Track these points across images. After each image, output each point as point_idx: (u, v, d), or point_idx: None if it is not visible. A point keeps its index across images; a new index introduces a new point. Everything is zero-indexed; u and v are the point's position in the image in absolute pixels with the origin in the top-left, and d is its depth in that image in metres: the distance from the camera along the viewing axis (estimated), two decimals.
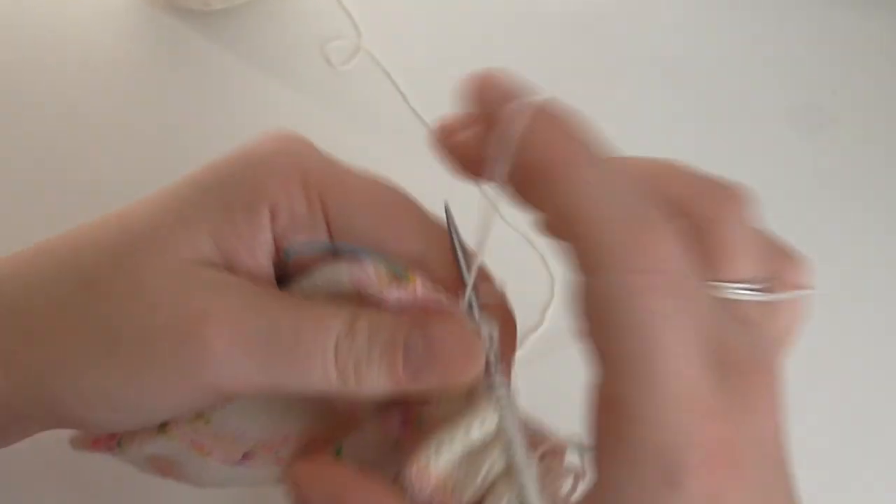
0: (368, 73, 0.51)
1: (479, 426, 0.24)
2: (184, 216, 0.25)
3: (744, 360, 0.21)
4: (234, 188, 0.25)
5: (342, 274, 0.25)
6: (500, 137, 0.22)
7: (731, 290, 0.24)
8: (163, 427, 0.26)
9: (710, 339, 0.20)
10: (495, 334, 0.25)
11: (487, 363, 0.24)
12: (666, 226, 0.21)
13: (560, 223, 0.22)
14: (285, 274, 0.26)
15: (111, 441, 0.27)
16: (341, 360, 0.23)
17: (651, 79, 0.54)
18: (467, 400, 0.25)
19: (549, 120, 0.22)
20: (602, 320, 0.20)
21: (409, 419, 0.26)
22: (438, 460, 0.23)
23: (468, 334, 0.24)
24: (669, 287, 0.20)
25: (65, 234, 0.26)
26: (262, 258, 0.25)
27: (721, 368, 0.20)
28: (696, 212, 0.24)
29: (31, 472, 0.38)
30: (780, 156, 0.53)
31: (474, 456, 0.24)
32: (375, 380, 0.24)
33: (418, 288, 0.25)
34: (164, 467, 0.29)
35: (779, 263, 0.25)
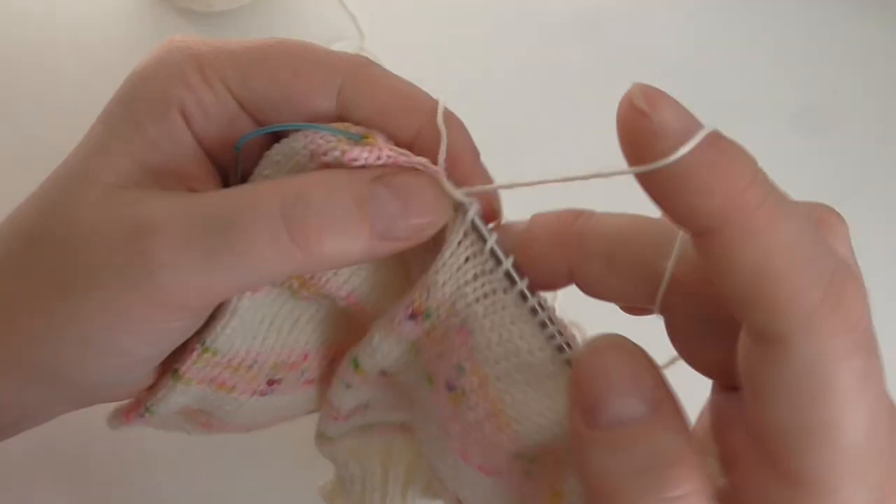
0: None
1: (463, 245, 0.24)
2: (100, 145, 0.25)
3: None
4: (137, 103, 0.25)
5: (297, 143, 0.24)
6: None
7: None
8: (175, 373, 0.26)
9: (888, 398, 0.19)
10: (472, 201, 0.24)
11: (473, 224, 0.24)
12: (859, 279, 0.19)
13: (738, 280, 0.18)
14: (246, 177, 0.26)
15: (139, 408, 0.27)
16: (296, 227, 0.22)
17: (651, 79, 0.54)
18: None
19: (726, 157, 0.19)
20: (790, 387, 0.18)
21: (418, 313, 0.25)
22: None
23: (434, 180, 0.24)
24: (863, 345, 0.19)
25: (14, 210, 0.26)
26: (189, 162, 0.25)
27: (891, 422, 0.19)
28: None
29: (30, 470, 0.38)
30: (780, 156, 0.53)
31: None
32: (342, 242, 0.23)
33: (381, 145, 0.23)
34: (203, 420, 0.29)
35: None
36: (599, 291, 0.24)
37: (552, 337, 0.23)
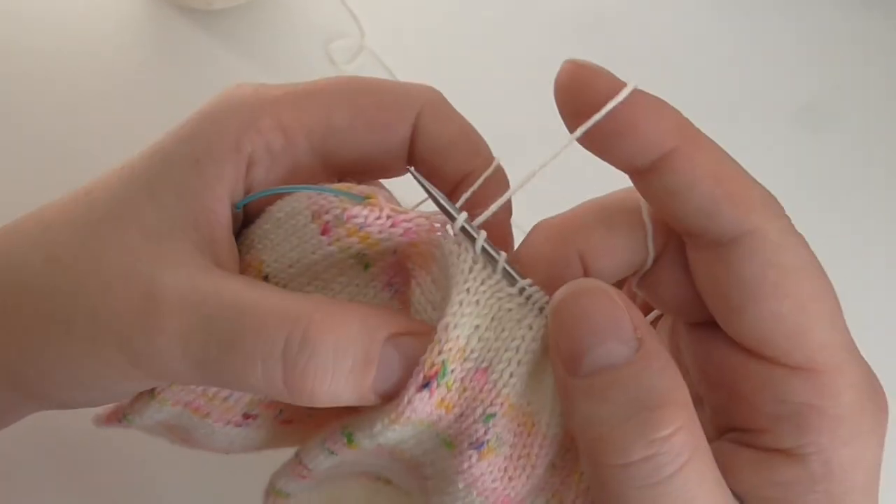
0: (372, 72, 0.51)
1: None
2: (151, 186, 0.24)
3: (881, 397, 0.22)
4: (201, 144, 0.24)
5: (300, 203, 0.24)
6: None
7: None
8: (151, 393, 0.26)
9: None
10: (484, 245, 0.23)
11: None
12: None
13: (701, 192, 0.21)
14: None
15: (119, 415, 0.27)
16: (292, 374, 0.21)
17: (651, 78, 0.54)
18: None
19: (657, 98, 0.22)
20: (760, 263, 0.21)
21: (431, 377, 0.22)
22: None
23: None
24: (795, 230, 0.22)
25: (36, 213, 0.25)
26: (224, 212, 0.24)
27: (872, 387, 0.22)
28: None
29: (30, 470, 0.38)
30: (781, 154, 0.53)
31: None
32: (334, 395, 0.22)
33: (383, 205, 0.23)
34: (179, 435, 0.29)
35: None
36: (609, 265, 0.24)
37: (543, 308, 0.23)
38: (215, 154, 0.24)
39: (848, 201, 0.52)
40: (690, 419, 0.20)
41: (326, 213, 0.23)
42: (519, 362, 0.22)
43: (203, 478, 0.40)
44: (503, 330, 0.22)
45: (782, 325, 0.21)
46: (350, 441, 0.24)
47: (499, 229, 0.25)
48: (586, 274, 0.24)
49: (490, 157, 0.26)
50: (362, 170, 0.26)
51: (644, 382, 0.20)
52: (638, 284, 0.24)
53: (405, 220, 0.23)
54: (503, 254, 0.23)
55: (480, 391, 0.22)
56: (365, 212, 0.23)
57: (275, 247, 0.25)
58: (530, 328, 0.22)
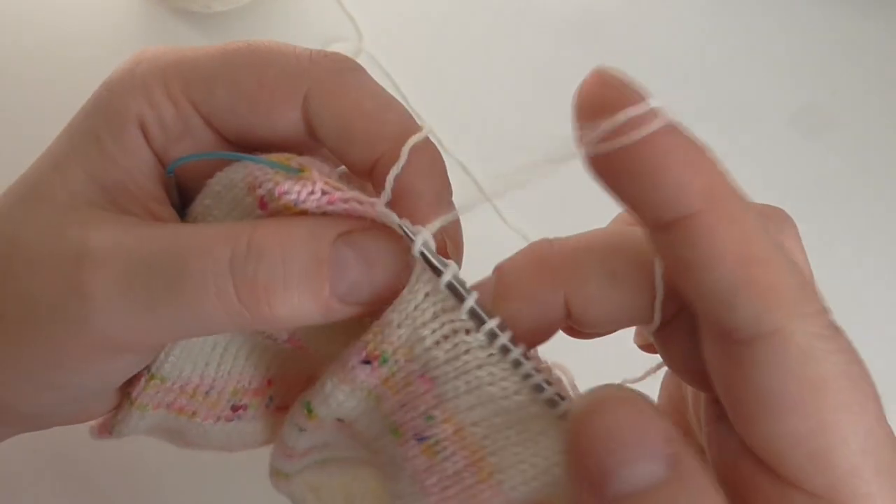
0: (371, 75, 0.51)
1: (423, 295, 0.21)
2: (55, 161, 0.23)
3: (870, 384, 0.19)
4: (98, 116, 0.24)
5: (237, 175, 0.23)
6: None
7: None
8: (129, 398, 0.25)
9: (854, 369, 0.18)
10: (427, 237, 0.21)
11: (425, 257, 0.21)
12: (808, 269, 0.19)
13: (721, 270, 0.17)
14: (189, 197, 0.24)
15: (108, 427, 0.27)
16: (244, 287, 0.20)
17: (651, 79, 0.54)
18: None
19: (697, 142, 0.18)
20: (780, 373, 0.17)
21: (373, 359, 0.22)
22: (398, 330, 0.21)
23: (401, 242, 0.21)
24: (831, 330, 0.18)
25: None
26: (147, 180, 0.24)
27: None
28: None
29: (30, 473, 0.38)
30: (780, 156, 0.53)
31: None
32: (295, 306, 0.21)
33: (316, 178, 0.22)
34: (174, 437, 0.28)
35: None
36: (599, 315, 0.21)
37: (528, 376, 0.21)
38: (113, 128, 0.23)
39: (844, 206, 0.52)
40: None
41: (260, 186, 0.22)
42: (471, 402, 0.21)
43: (205, 481, 0.40)
44: (457, 359, 0.21)
45: (803, 447, 0.18)
46: (310, 411, 0.24)
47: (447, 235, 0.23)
48: (569, 318, 0.21)
49: (401, 132, 0.23)
50: (263, 149, 0.24)
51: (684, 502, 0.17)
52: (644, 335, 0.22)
53: (341, 200, 0.22)
54: (474, 293, 0.21)
55: (426, 393, 0.22)
56: (297, 187, 0.21)
57: (219, 221, 0.23)
58: (492, 383, 0.21)
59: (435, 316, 0.21)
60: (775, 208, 0.22)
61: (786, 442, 0.18)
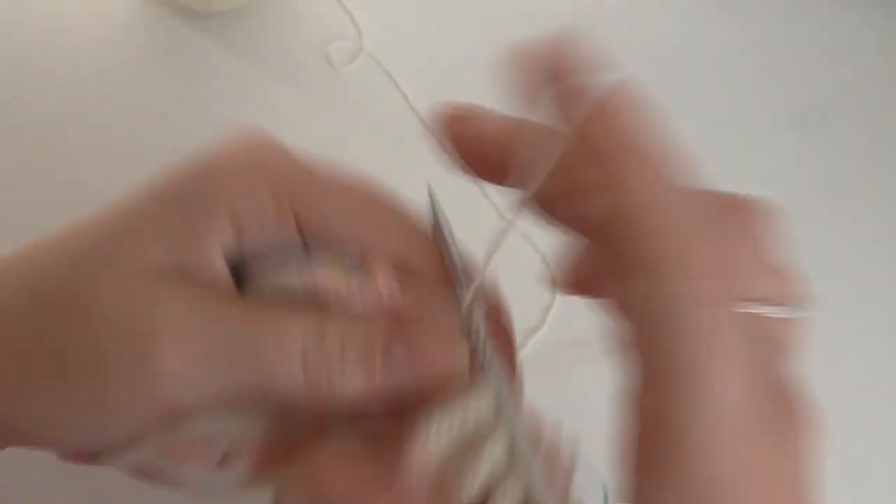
0: (370, 74, 0.51)
1: (475, 407, 0.23)
2: (137, 226, 0.23)
3: (791, 387, 0.20)
4: (192, 193, 0.24)
5: (293, 276, 0.24)
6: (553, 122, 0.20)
7: (755, 308, 0.22)
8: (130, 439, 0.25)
9: (761, 360, 0.19)
10: (482, 327, 0.24)
11: (476, 351, 0.24)
12: (728, 234, 0.20)
13: (612, 220, 0.20)
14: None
15: (88, 454, 0.26)
16: (311, 365, 0.22)
17: (651, 79, 0.54)
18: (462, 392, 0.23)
19: (620, 103, 0.21)
20: (655, 330, 0.19)
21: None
22: (439, 439, 0.22)
23: (447, 331, 0.24)
24: (726, 297, 0.19)
25: (24, 250, 0.25)
26: (220, 266, 0.24)
27: (769, 394, 0.19)
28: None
29: (30, 471, 0.38)
30: (779, 157, 0.53)
31: (473, 445, 0.23)
32: (350, 386, 0.23)
33: (381, 282, 0.23)
34: (150, 475, 0.28)
35: (786, 279, 0.24)
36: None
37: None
38: (207, 210, 0.23)
39: (844, 206, 0.52)
40: None
41: (320, 289, 0.24)
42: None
43: None
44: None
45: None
46: None
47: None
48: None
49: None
50: None
51: None
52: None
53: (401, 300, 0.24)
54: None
55: None
56: (363, 290, 0.24)
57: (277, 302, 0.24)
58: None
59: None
60: (745, 196, 0.23)
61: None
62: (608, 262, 0.21)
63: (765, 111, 0.54)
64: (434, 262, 0.25)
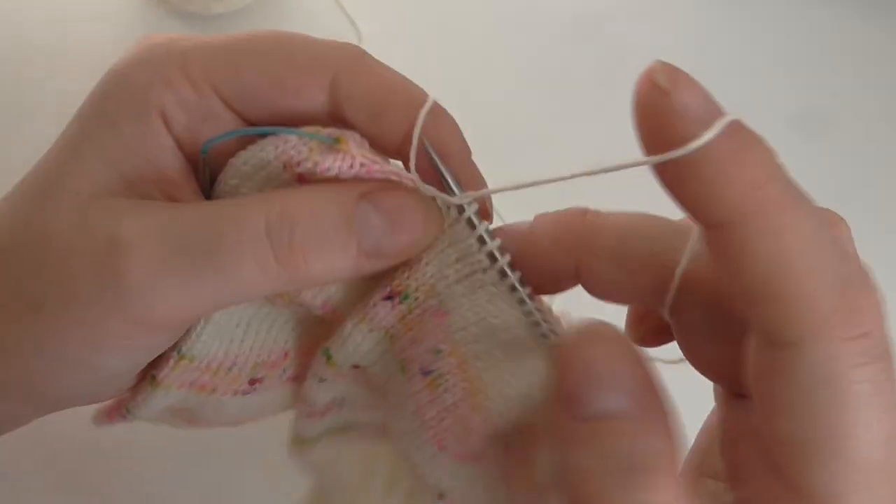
0: None
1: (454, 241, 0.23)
2: (73, 150, 0.24)
3: None
4: (113, 103, 0.24)
5: (268, 154, 0.23)
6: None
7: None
8: (153, 380, 0.25)
9: None
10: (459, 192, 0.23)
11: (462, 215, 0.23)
12: (872, 285, 0.19)
13: (752, 280, 0.18)
14: (215, 176, 0.25)
15: (121, 410, 0.27)
16: (282, 249, 0.22)
17: None
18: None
19: (748, 147, 0.18)
20: (803, 396, 0.17)
21: (395, 294, 0.24)
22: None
23: (423, 197, 0.23)
24: (877, 356, 0.18)
25: None
26: (167, 166, 0.24)
27: None
28: None
29: (27, 468, 0.38)
30: (779, 158, 0.53)
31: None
32: (328, 263, 0.22)
33: (354, 151, 0.23)
34: (186, 417, 0.29)
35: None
36: (606, 290, 0.23)
37: (529, 314, 0.23)
38: (131, 114, 0.23)
39: (841, 209, 0.52)
40: (682, 497, 0.18)
41: (298, 164, 0.22)
42: (477, 334, 0.23)
43: (199, 476, 0.40)
44: (474, 295, 0.23)
45: (806, 455, 0.18)
46: (328, 358, 0.26)
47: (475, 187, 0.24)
48: (580, 281, 0.23)
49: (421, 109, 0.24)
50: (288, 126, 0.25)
51: (642, 440, 0.19)
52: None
53: (380, 172, 0.23)
54: (496, 240, 0.23)
55: (437, 327, 0.24)
56: (337, 162, 0.22)
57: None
58: (497, 315, 0.23)
59: (458, 259, 0.23)
60: (830, 212, 0.23)
61: (785, 440, 0.18)
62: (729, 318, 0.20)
63: (764, 111, 0.54)
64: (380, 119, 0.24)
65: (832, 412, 0.17)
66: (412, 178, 0.23)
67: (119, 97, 0.24)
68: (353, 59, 0.25)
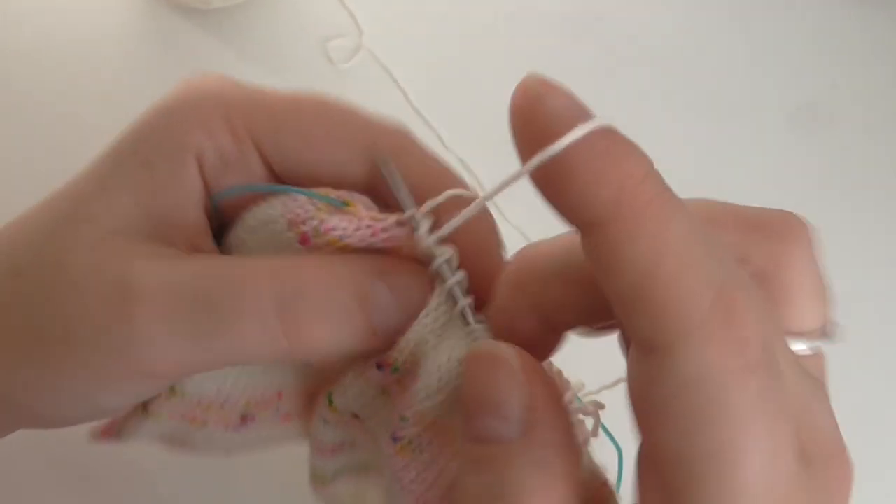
0: (369, 71, 0.51)
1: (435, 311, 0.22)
2: (103, 184, 0.23)
3: (826, 444, 0.18)
4: (152, 142, 0.23)
5: (274, 211, 0.23)
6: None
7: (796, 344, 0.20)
8: (145, 408, 0.25)
9: (796, 421, 0.17)
10: (455, 261, 0.22)
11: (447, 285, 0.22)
12: (754, 289, 0.18)
13: (622, 283, 0.17)
14: (223, 224, 0.25)
15: (114, 430, 0.27)
16: (289, 323, 0.21)
17: (649, 77, 0.54)
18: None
19: (620, 148, 0.17)
20: (677, 407, 0.16)
21: (386, 365, 0.24)
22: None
23: (420, 269, 0.23)
24: (759, 363, 0.16)
25: (3, 228, 0.25)
26: (193, 210, 0.24)
27: (804, 456, 0.17)
28: (758, 257, 0.20)
29: (32, 471, 0.38)
30: (778, 154, 0.53)
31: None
32: (335, 340, 0.22)
33: (362, 214, 0.22)
34: (176, 443, 0.29)
35: (827, 302, 0.22)
36: (570, 320, 0.22)
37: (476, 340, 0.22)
38: (165, 153, 0.23)
39: (844, 202, 0.52)
40: None
41: (303, 223, 0.22)
42: (438, 386, 0.22)
43: (203, 480, 0.40)
44: (439, 353, 0.22)
45: (687, 466, 0.17)
46: (330, 402, 0.25)
47: (484, 256, 0.24)
48: (547, 324, 0.22)
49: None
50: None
51: (518, 469, 0.18)
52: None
53: (384, 230, 0.23)
54: (468, 299, 0.22)
55: (406, 392, 0.23)
56: (344, 223, 0.22)
57: (252, 254, 0.24)
58: (458, 363, 0.22)
59: (439, 323, 0.23)
60: (780, 214, 0.21)
61: (668, 456, 0.17)
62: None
63: (763, 108, 0.54)
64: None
65: (711, 426, 0.16)
66: (416, 217, 0.23)
67: (158, 136, 0.24)
68: (399, 141, 0.25)
